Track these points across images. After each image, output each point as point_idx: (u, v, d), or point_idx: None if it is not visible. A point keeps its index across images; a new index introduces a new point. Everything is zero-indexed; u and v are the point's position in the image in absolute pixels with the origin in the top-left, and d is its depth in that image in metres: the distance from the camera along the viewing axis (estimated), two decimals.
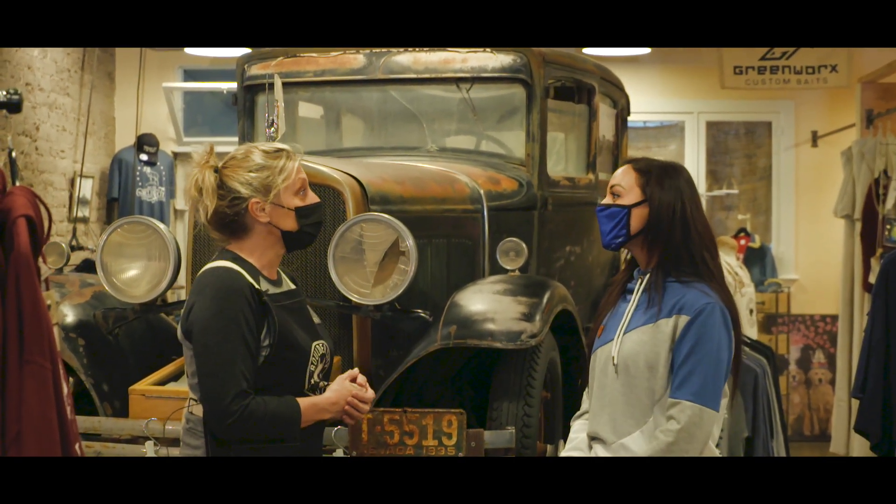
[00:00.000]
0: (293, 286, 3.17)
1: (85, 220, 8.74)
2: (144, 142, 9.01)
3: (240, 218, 3.02)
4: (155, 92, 9.23)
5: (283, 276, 3.17)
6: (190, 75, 9.86)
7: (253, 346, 2.91)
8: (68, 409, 2.02)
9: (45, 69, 8.11)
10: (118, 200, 9.05)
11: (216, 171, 3.01)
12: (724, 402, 3.08)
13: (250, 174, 3.01)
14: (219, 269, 2.98)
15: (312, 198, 3.11)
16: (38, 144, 8.01)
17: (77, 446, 2.18)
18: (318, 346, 3.08)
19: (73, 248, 7.94)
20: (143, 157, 9.00)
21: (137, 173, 8.95)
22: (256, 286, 2.97)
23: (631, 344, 3.04)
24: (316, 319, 3.19)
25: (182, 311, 3.02)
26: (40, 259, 2.09)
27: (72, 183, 8.53)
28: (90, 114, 8.62)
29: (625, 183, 3.13)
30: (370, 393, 3.14)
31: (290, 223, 3.05)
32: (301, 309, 3.13)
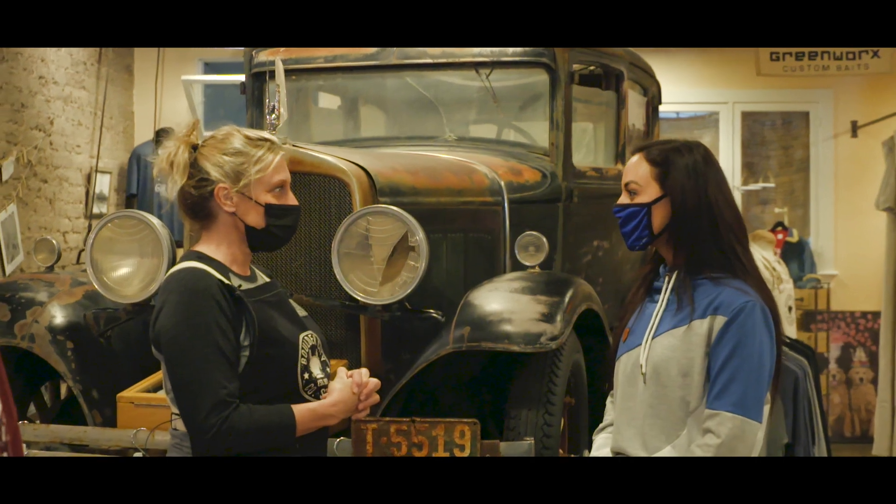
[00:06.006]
0: (269, 279, 2.91)
1: (102, 217, 8.54)
2: (164, 136, 8.76)
3: (204, 202, 2.78)
4: (174, 85, 9.01)
5: (258, 272, 2.90)
6: (210, 68, 9.65)
7: (229, 349, 2.64)
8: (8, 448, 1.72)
9: (60, 62, 7.90)
10: (136, 196, 8.85)
11: (194, 148, 2.79)
12: (766, 409, 2.77)
13: (224, 157, 2.77)
14: (181, 272, 2.72)
15: (290, 199, 2.86)
16: (53, 139, 7.81)
17: None
18: (307, 338, 2.81)
19: None
20: None
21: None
22: (226, 282, 2.71)
23: (661, 349, 2.75)
24: (301, 312, 2.91)
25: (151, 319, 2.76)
26: None
27: (88, 179, 8.33)
28: (107, 108, 8.41)
29: (640, 178, 2.84)
30: (372, 380, 2.83)
31: (256, 219, 2.80)
32: (282, 301, 2.86)
